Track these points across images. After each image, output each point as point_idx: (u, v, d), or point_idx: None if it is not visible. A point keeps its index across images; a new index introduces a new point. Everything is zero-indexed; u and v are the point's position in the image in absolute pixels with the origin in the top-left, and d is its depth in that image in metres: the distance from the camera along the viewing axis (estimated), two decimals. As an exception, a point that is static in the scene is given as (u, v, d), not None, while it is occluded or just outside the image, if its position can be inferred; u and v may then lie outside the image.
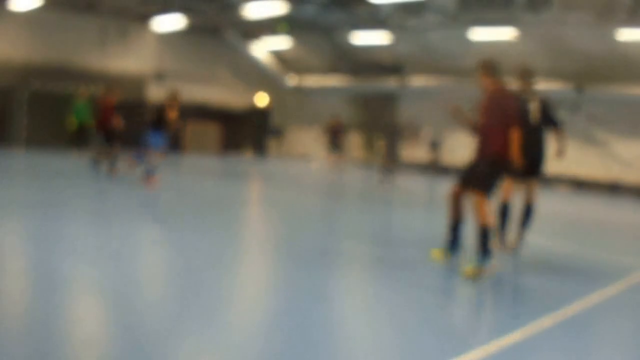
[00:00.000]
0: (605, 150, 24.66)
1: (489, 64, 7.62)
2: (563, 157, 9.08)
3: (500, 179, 7.70)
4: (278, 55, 32.98)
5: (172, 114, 15.24)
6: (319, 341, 4.88)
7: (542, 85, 24.77)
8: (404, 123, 28.78)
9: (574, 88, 23.62)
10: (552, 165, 26.60)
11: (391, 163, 23.88)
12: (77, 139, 23.28)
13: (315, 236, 10.53)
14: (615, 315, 6.48)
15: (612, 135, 24.48)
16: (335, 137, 25.41)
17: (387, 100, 32.61)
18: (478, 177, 7.36)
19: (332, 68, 32.32)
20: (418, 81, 28.77)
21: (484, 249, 7.12)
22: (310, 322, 5.28)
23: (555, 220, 15.65)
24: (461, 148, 28.82)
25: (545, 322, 5.73)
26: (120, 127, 16.87)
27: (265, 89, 33.74)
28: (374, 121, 26.81)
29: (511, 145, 7.21)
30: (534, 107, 8.87)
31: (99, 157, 16.92)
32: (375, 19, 25.44)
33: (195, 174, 15.18)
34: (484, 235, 7.14)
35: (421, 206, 17.87)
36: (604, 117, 24.68)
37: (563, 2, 20.79)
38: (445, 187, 21.25)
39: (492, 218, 7.23)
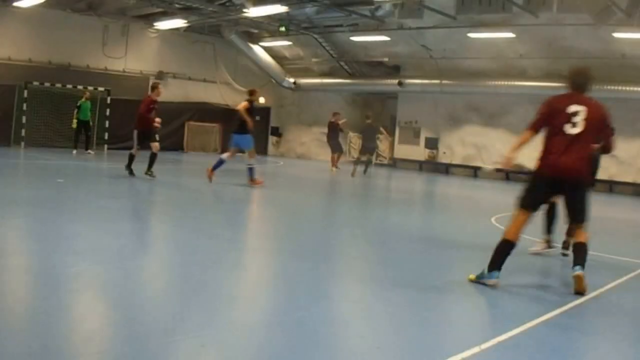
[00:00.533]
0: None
1: (568, 74, 7.38)
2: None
3: (539, 192, 7.40)
4: (277, 55, 33.02)
5: (241, 106, 16.08)
6: (319, 339, 4.92)
7: (539, 85, 24.97)
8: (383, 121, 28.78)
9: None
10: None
11: (366, 157, 24.96)
12: (79, 137, 23.50)
13: (313, 234, 10.65)
14: (614, 312, 6.56)
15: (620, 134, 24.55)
16: (334, 135, 25.46)
17: (387, 100, 32.69)
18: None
19: (332, 68, 32.39)
20: (417, 81, 28.80)
21: (491, 261, 7.04)
22: (310, 321, 5.33)
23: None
24: (458, 147, 28.97)
25: (544, 319, 5.77)
26: (156, 127, 16.23)
27: (264, 89, 33.80)
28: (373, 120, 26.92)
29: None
30: None
31: (136, 153, 16.13)
32: (375, 19, 25.52)
33: (198, 173, 15.25)
34: (497, 247, 7.09)
35: (409, 201, 17.96)
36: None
37: (561, 3, 20.88)
38: (436, 183, 20.94)
39: (512, 234, 7.13)
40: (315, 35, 29.08)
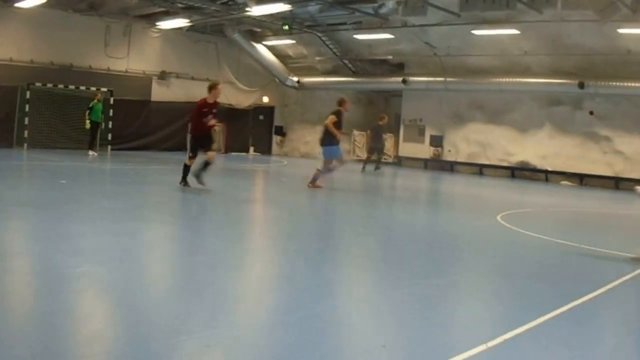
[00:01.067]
0: (608, 145, 24.64)
1: None
2: None
3: None
4: (281, 54, 32.97)
5: (329, 121, 16.26)
6: (323, 339, 4.90)
7: (543, 82, 24.90)
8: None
9: (576, 84, 23.61)
10: (555, 160, 26.48)
11: (375, 155, 25.75)
12: (91, 139, 23.54)
13: (317, 232, 10.60)
14: (621, 307, 6.53)
15: (615, 131, 24.45)
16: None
17: (391, 98, 32.63)
18: None
19: (335, 67, 32.31)
20: (421, 79, 28.74)
21: None
22: (314, 320, 5.31)
23: (562, 216, 15.67)
24: (463, 144, 28.89)
25: (551, 316, 5.72)
26: (208, 130, 14.33)
27: (268, 88, 33.78)
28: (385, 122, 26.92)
29: None
30: None
31: (190, 163, 14.34)
32: (378, 17, 25.47)
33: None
34: None
35: (417, 199, 17.91)
36: (607, 113, 24.68)
37: (565, 0, 20.83)
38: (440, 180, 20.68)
39: None
40: (319, 34, 29.02)
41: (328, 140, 16.31)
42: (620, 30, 21.03)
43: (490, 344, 4.83)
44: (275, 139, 35.55)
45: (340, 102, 16.79)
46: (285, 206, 14.05)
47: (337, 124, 16.19)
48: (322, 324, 5.25)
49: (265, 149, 34.67)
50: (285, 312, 5.58)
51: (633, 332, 5.71)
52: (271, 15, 25.24)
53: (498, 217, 12.86)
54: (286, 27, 26.92)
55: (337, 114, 16.43)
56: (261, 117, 34.44)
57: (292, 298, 6.06)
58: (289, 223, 11.61)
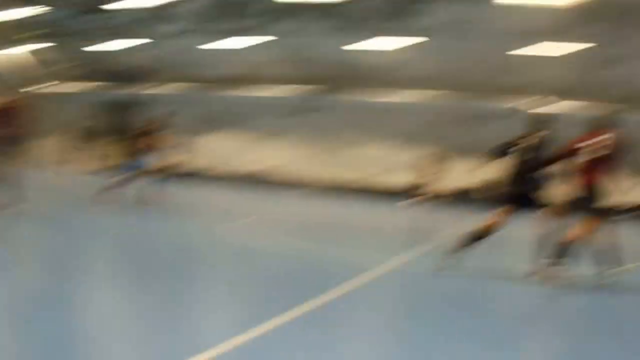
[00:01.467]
0: (349, 154, 25.70)
1: None
2: None
3: None
4: (26, 60, 31.73)
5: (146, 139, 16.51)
6: (62, 348, 4.88)
7: (283, 92, 25.60)
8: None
9: (317, 94, 24.50)
10: (294, 169, 26.89)
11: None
12: None
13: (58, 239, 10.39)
14: (350, 311, 6.95)
15: (357, 140, 25.55)
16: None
17: (139, 107, 32.30)
18: None
19: (84, 74, 31.55)
20: (164, 87, 28.71)
21: None
22: (61, 330, 5.28)
23: (294, 224, 16.03)
24: (203, 153, 28.98)
25: (284, 319, 6.00)
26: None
27: (10, 96, 32.28)
28: (125, 128, 26.44)
29: None
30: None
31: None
32: (126, 25, 25.23)
33: None
34: None
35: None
36: (348, 122, 25.74)
37: (304, 13, 21.61)
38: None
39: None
40: (66, 41, 28.21)
41: (138, 153, 16.70)
42: (361, 44, 22.14)
43: (213, 350, 4.94)
44: (19, 148, 34.01)
45: (155, 121, 17.70)
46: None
47: (147, 138, 16.83)
48: (64, 335, 5.20)
49: (7, 160, 33.05)
50: (36, 322, 5.48)
51: (359, 335, 6.13)
52: (18, 20, 24.28)
53: (229, 227, 13.00)
54: (33, 33, 25.99)
55: (150, 130, 17.09)
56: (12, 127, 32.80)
57: (42, 309, 5.92)
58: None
